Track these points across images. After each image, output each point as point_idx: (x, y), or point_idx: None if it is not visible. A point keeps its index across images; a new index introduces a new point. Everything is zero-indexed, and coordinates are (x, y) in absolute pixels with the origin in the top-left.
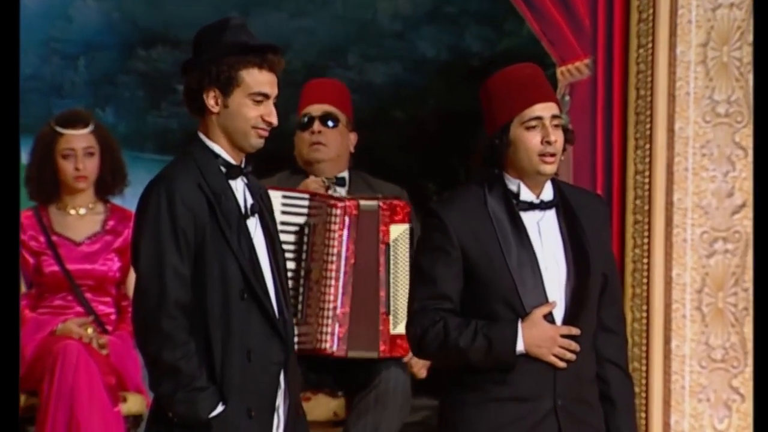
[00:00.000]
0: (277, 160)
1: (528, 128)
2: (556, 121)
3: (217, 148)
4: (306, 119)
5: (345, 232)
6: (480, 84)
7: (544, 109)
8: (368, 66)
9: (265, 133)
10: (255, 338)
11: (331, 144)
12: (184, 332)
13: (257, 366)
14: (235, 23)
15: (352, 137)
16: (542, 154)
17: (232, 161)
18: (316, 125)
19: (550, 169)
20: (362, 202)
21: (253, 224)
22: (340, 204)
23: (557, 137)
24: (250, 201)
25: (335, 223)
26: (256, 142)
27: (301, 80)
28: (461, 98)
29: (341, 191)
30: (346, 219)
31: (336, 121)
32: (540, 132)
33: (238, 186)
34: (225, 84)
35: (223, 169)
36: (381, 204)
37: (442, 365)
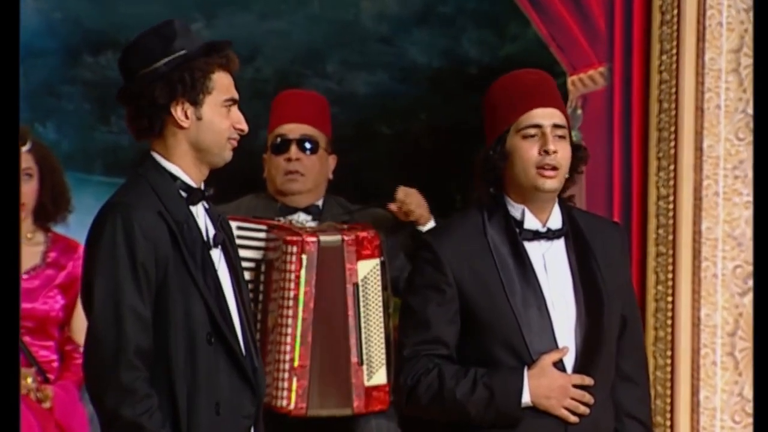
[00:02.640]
0: (244, 182)
1: (525, 137)
2: (559, 132)
3: (175, 170)
4: (279, 141)
5: (303, 273)
6: (479, 95)
7: (544, 116)
8: (350, 74)
9: (236, 143)
10: (224, 388)
11: (309, 173)
12: (145, 384)
13: (227, 420)
14: (181, 24)
15: (331, 161)
16: (540, 167)
17: (193, 184)
18: (293, 151)
19: (549, 184)
20: (323, 238)
21: (217, 256)
22: (296, 240)
23: (559, 148)
24: (212, 230)
25: (291, 262)
26: (229, 154)
27: (272, 90)
28: (457, 111)
29: (312, 223)
30: (304, 258)
31: (315, 145)
32: (538, 141)
33: (199, 212)
34: (196, 93)
35: (182, 193)
36: (345, 238)
37: (436, 419)
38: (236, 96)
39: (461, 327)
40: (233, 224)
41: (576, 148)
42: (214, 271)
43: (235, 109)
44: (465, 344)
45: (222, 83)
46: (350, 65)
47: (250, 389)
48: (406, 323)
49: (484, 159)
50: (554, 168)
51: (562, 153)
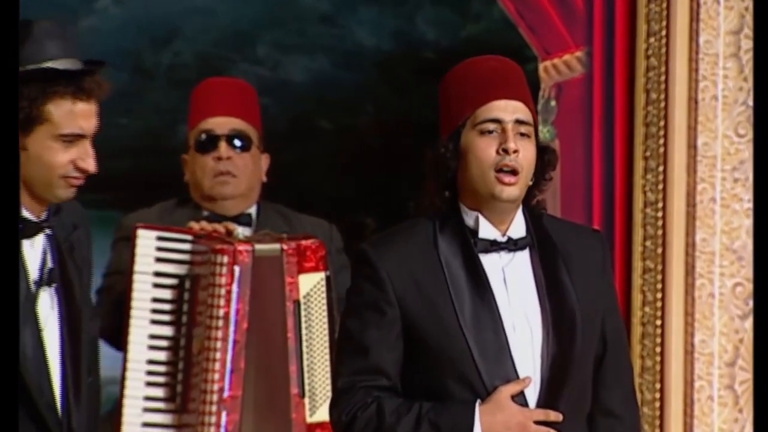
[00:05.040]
0: (159, 187)
1: (482, 133)
2: (523, 129)
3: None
4: (205, 138)
5: (235, 288)
6: (435, 84)
7: (506, 109)
8: (285, 59)
9: (79, 182)
10: None
11: (243, 174)
12: None
13: None
14: (43, 29)
15: (264, 160)
16: (499, 170)
17: (29, 216)
18: (223, 149)
19: (508, 193)
20: (258, 246)
21: (49, 298)
22: (226, 248)
23: (521, 148)
24: (50, 264)
25: (221, 275)
26: (64, 193)
27: (193, 78)
28: (411, 103)
29: (246, 232)
30: (236, 270)
31: (247, 141)
32: (497, 138)
33: (36, 245)
34: (23, 121)
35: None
36: (284, 247)
37: None
38: (85, 130)
39: (406, 353)
40: (153, 234)
41: (543, 150)
42: (36, 321)
43: (82, 144)
44: (410, 373)
45: (66, 115)
46: (285, 48)
47: None
48: (342, 348)
49: (435, 158)
50: (514, 172)
51: (524, 154)
